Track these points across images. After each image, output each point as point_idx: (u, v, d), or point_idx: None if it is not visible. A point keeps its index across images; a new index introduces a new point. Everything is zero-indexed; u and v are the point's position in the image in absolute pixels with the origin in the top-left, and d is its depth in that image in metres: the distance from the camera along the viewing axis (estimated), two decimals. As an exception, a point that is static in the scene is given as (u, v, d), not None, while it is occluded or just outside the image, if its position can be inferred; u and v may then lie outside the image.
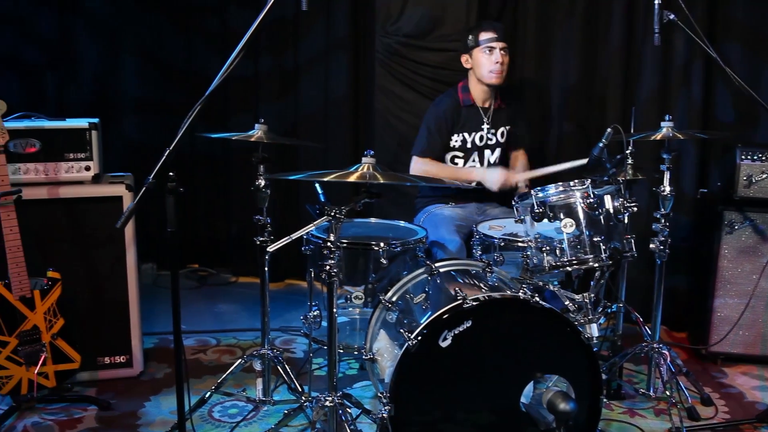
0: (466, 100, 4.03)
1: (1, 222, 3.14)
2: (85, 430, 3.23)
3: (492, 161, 4.08)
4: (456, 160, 4.04)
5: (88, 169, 3.54)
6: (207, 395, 3.32)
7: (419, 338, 2.62)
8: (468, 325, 2.63)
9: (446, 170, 4.00)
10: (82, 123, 3.55)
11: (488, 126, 4.04)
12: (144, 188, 2.50)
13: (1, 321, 3.19)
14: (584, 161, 3.22)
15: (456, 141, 4.02)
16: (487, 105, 4.05)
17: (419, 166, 3.99)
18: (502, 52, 3.91)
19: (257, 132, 3.22)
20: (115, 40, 5.13)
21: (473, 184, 3.95)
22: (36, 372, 3.25)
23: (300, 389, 3.32)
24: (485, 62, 3.92)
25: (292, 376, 3.36)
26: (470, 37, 3.95)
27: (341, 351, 3.42)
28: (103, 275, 3.60)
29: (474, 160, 4.05)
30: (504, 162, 4.15)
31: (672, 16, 3.20)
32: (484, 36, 3.91)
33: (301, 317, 3.27)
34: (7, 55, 4.92)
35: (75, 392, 3.51)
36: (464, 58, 4.02)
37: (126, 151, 5.09)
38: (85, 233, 3.56)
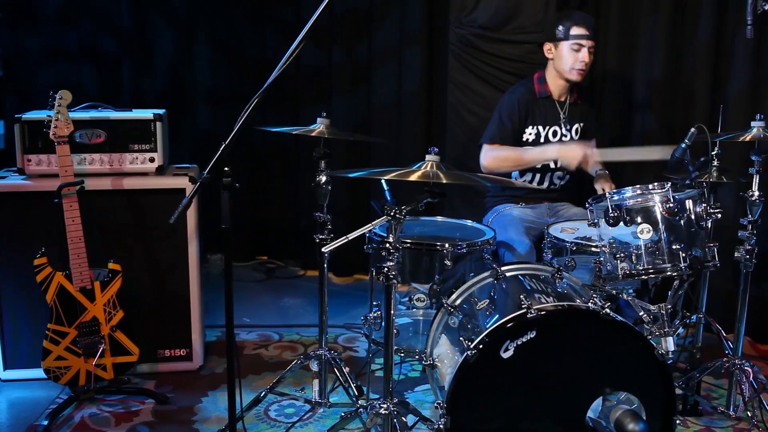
0: (542, 91, 3.85)
1: (64, 212, 3.13)
2: (141, 424, 3.21)
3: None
4: None
5: (152, 160, 3.52)
6: (262, 394, 3.27)
7: (479, 348, 2.49)
8: (532, 335, 2.48)
9: (517, 152, 3.78)
10: (147, 114, 3.52)
11: (564, 120, 3.86)
12: (198, 183, 2.44)
13: (61, 311, 3.19)
14: (667, 151, 3.03)
15: (530, 134, 3.84)
16: (563, 99, 3.87)
17: (489, 153, 3.80)
18: (590, 50, 3.72)
19: (319, 126, 3.12)
20: (189, 30, 5.16)
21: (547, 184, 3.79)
22: (94, 363, 3.24)
23: (357, 392, 3.23)
24: (570, 58, 3.73)
25: (349, 378, 3.28)
26: (560, 27, 3.75)
27: (402, 354, 3.31)
28: (165, 268, 3.58)
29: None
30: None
31: (767, 6, 2.97)
32: (575, 31, 3.71)
33: (362, 317, 3.18)
34: (86, 46, 4.99)
35: (133, 385, 3.50)
36: (547, 46, 3.83)
37: (198, 142, 5.13)
38: (147, 225, 3.54)
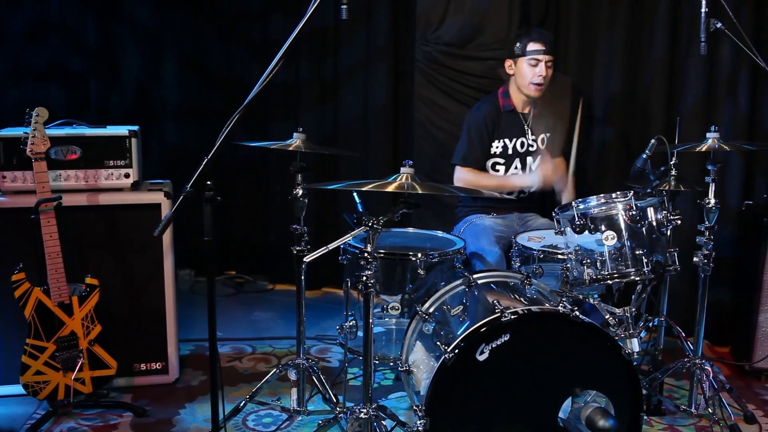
0: (506, 105, 4.00)
1: (41, 228, 3.17)
2: (121, 437, 3.25)
3: (534, 168, 4.03)
4: (497, 167, 4.00)
5: (127, 176, 3.56)
6: (241, 404, 3.32)
7: (456, 351, 2.58)
8: (506, 338, 2.59)
9: (491, 180, 3.97)
10: (122, 130, 3.57)
11: (528, 131, 4.00)
12: (181, 197, 2.50)
13: (39, 326, 3.22)
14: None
15: (497, 147, 3.98)
16: (527, 111, 4.02)
17: (464, 176, 3.97)
18: (547, 65, 3.87)
19: (295, 141, 3.21)
20: (157, 47, 5.19)
21: (515, 194, 3.92)
22: (73, 378, 3.27)
23: (335, 399, 3.30)
24: (528, 73, 3.88)
25: (327, 386, 3.34)
26: (518, 44, 3.91)
27: (377, 362, 3.39)
28: (141, 282, 3.62)
29: (516, 167, 4.01)
30: None
31: (719, 25, 3.14)
32: (532, 47, 3.87)
33: (337, 327, 3.25)
34: (53, 64, 5.00)
35: (111, 398, 3.53)
36: (508, 63, 3.98)
37: (166, 158, 5.15)
38: (123, 240, 3.58)
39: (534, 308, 2.71)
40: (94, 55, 5.06)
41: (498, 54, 4.34)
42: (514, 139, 3.99)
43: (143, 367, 3.68)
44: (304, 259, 2.85)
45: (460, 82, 4.57)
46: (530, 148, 4.02)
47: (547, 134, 4.07)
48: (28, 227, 3.21)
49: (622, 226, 2.93)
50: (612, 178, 4.36)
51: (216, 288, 5.25)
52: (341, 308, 3.46)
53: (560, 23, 4.55)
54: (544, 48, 3.87)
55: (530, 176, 3.95)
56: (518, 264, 3.44)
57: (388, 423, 3.07)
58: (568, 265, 3.06)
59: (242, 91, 2.61)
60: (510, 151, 3.99)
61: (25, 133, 3.18)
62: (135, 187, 3.59)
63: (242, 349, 4.24)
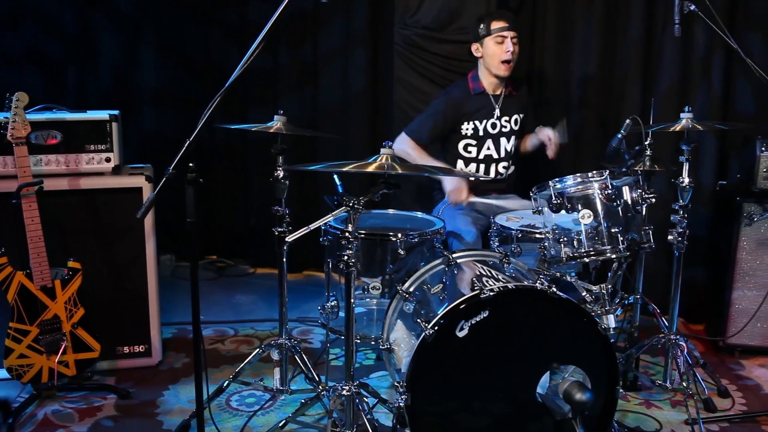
0: (476, 88, 4.06)
1: (23, 212, 3.18)
2: (105, 419, 3.27)
3: (508, 149, 4.10)
4: (469, 148, 4.06)
5: (108, 160, 3.57)
6: (225, 384, 3.35)
7: (436, 328, 2.63)
8: (485, 315, 2.64)
9: (421, 160, 3.94)
10: (102, 115, 3.58)
11: (499, 113, 4.05)
12: (164, 179, 2.52)
13: (22, 310, 3.23)
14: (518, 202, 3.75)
15: (467, 129, 4.03)
16: (498, 92, 4.07)
17: (401, 146, 3.95)
18: (513, 41, 3.92)
19: (276, 123, 3.23)
20: (135, 33, 5.17)
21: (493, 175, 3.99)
22: (56, 360, 3.30)
23: (317, 379, 3.34)
24: (496, 51, 3.93)
25: (309, 365, 3.38)
26: (481, 26, 3.95)
27: (358, 341, 3.43)
28: (123, 266, 3.64)
29: (489, 148, 4.06)
30: (518, 157, 4.19)
31: (692, 7, 3.18)
32: (495, 25, 3.92)
33: (319, 307, 3.30)
34: (30, 50, 4.97)
35: (95, 381, 3.56)
36: (474, 47, 4.03)
37: (145, 143, 5.14)
38: (105, 224, 3.59)
39: (512, 285, 2.76)
40: (72, 40, 5.03)
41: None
42: (485, 121, 4.04)
43: (126, 350, 3.70)
44: (286, 239, 2.88)
45: (439, 65, 4.61)
46: (503, 129, 4.08)
47: (521, 115, 4.12)
48: (9, 212, 3.22)
49: (598, 204, 2.98)
50: (589, 158, 4.42)
51: (198, 271, 5.31)
52: (323, 291, 3.52)
53: (537, 6, 4.60)
54: (507, 24, 3.92)
55: (448, 182, 3.90)
56: (497, 244, 3.50)
57: (370, 401, 3.11)
58: (546, 244, 3.10)
59: (221, 76, 2.63)
60: (481, 133, 4.05)
61: (5, 117, 3.19)
62: (116, 171, 3.60)
63: (224, 331, 4.27)
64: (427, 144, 4.01)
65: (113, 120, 3.57)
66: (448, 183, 3.88)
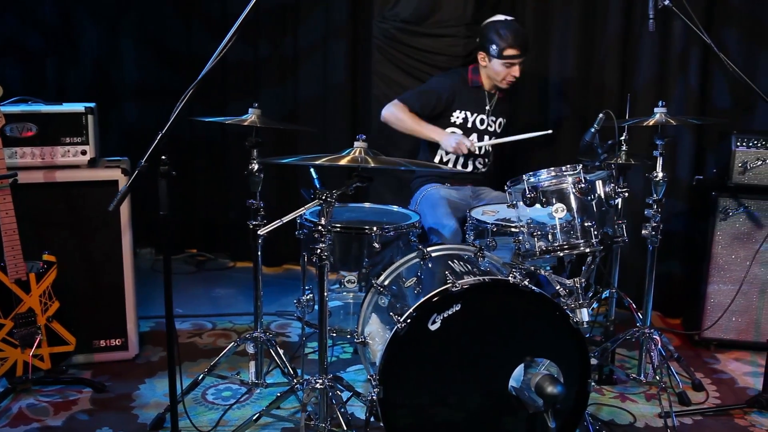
0: (474, 81, 4.10)
1: (-3, 205, 3.17)
2: (80, 412, 3.26)
3: (488, 148, 4.13)
4: None
5: (84, 153, 3.56)
6: (200, 378, 3.35)
7: (408, 321, 2.64)
8: (457, 308, 2.65)
9: (414, 121, 4.02)
10: (78, 107, 3.56)
11: (489, 110, 4.08)
12: (136, 172, 2.52)
13: (-4, 303, 3.22)
14: (544, 133, 3.78)
15: (457, 117, 4.06)
16: (493, 91, 4.12)
17: (392, 109, 4.04)
18: (520, 66, 3.98)
19: (251, 116, 3.22)
20: (115, 24, 5.14)
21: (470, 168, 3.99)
22: (31, 354, 3.28)
23: (293, 372, 3.35)
24: (502, 72, 3.99)
25: (285, 359, 3.38)
26: (493, 46, 3.96)
27: (334, 335, 3.44)
28: (99, 259, 3.63)
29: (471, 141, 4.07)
30: (497, 153, 4.21)
31: (667, 2, 3.18)
32: (509, 52, 3.94)
33: (295, 300, 3.30)
34: (9, 41, 4.94)
35: (70, 374, 3.54)
36: (481, 55, 4.06)
37: (126, 136, 5.13)
38: (81, 217, 3.58)
39: (484, 279, 2.77)
40: (52, 32, 5.01)
41: (454, 31, 4.41)
42: (475, 114, 4.07)
43: (103, 343, 3.69)
44: (259, 232, 2.88)
45: (417, 58, 4.61)
46: (488, 128, 4.10)
47: (504, 120, 4.15)
48: (-17, 205, 3.20)
49: (572, 199, 2.99)
50: (566, 153, 4.43)
51: (176, 265, 5.30)
52: (301, 285, 3.51)
53: (516, 3, 4.60)
54: (520, 53, 3.96)
55: (445, 137, 3.98)
56: (473, 237, 3.51)
57: (345, 394, 3.12)
58: (520, 238, 3.12)
59: (201, 69, 2.62)
60: (469, 125, 4.07)
61: (-21, 110, 3.17)
62: (92, 164, 3.59)
63: (202, 325, 4.27)
64: (417, 114, 4.04)
65: (89, 112, 3.56)
66: (446, 141, 3.94)
